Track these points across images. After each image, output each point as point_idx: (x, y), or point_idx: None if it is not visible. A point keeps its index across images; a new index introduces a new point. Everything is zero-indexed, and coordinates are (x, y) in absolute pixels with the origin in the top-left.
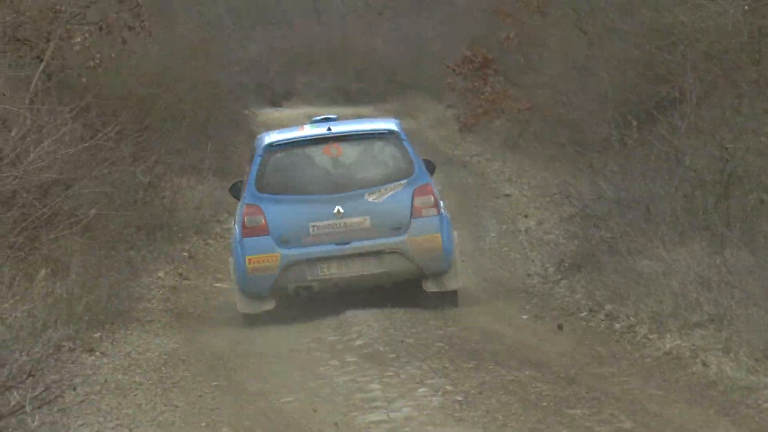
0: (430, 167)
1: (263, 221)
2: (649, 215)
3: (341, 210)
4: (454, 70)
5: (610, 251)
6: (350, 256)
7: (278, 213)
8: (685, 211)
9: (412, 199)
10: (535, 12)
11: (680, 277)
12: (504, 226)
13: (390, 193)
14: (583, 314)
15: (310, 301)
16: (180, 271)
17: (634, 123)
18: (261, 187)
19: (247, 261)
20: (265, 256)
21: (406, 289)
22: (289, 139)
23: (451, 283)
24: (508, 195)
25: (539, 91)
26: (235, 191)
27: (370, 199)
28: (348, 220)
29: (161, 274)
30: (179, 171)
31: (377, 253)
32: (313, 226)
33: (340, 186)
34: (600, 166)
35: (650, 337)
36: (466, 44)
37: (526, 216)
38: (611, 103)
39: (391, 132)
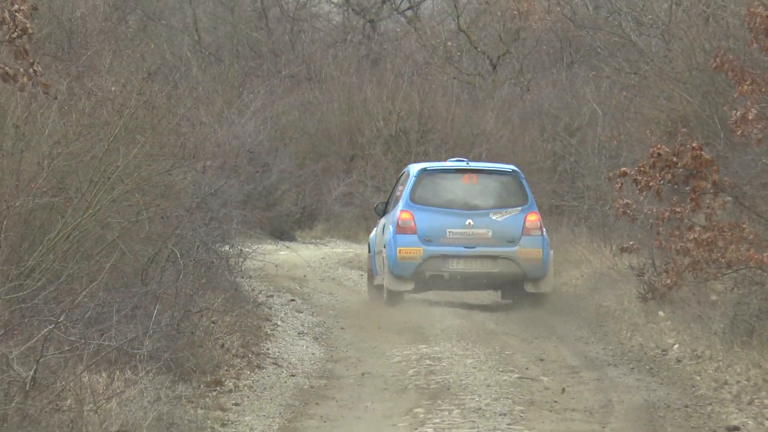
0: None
1: (413, 224)
2: None
3: (471, 222)
4: (635, 181)
5: None
6: (474, 257)
7: (425, 219)
8: None
9: (524, 221)
10: None
11: None
12: None
13: (508, 215)
14: None
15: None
16: None
17: None
18: (413, 199)
19: (398, 251)
20: (412, 249)
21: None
22: (438, 167)
23: (545, 287)
24: (736, 429)
25: None
26: (379, 210)
27: (494, 217)
28: (475, 231)
29: None
30: (91, 359)
31: (494, 257)
32: (450, 232)
33: (472, 205)
34: None
35: None
36: (658, 132)
37: None
38: None
39: (513, 171)
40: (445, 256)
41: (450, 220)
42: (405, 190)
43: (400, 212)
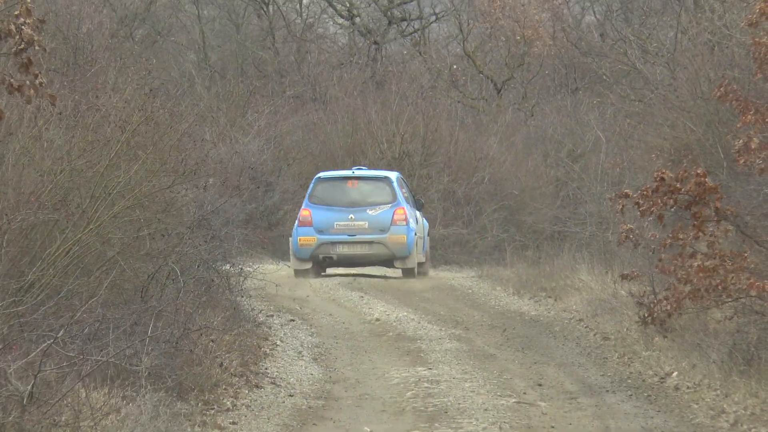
0: (419, 203)
1: (310, 218)
2: None
3: (353, 216)
4: (637, 205)
5: None
6: (355, 243)
7: (319, 215)
8: None
9: (393, 214)
10: None
11: None
12: None
13: (381, 210)
14: None
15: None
16: None
17: None
18: (311, 199)
19: (298, 239)
20: (309, 238)
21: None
22: (329, 175)
23: (410, 264)
24: None
25: None
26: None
27: (370, 212)
28: (356, 223)
29: None
30: (90, 375)
31: (370, 243)
32: (336, 224)
33: (354, 203)
34: None
35: None
36: (661, 160)
37: None
38: None
39: (386, 177)
40: (333, 243)
41: (337, 215)
42: (306, 193)
43: (301, 210)
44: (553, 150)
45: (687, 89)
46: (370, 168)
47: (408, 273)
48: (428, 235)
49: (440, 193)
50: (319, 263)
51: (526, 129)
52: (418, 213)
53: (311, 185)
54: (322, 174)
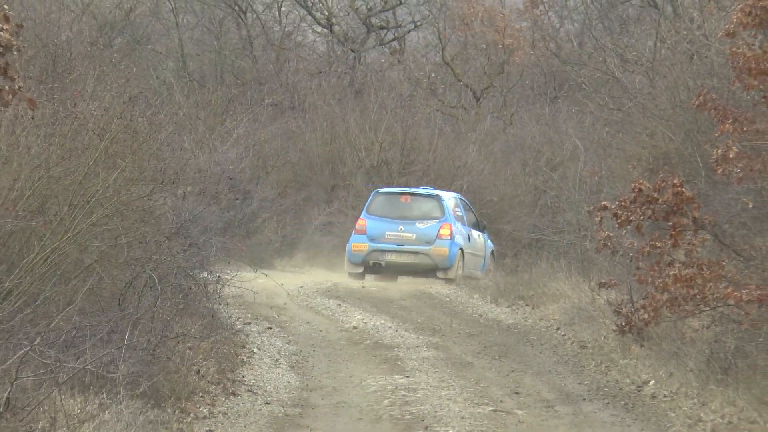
0: (481, 225)
1: (365, 228)
2: None
3: (402, 228)
4: (616, 216)
5: None
6: (402, 252)
7: (373, 225)
8: None
9: (439, 229)
10: None
11: None
12: None
13: (428, 225)
14: None
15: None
16: None
17: None
18: (368, 211)
19: (352, 246)
20: (361, 245)
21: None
22: (387, 191)
23: (450, 275)
24: None
25: None
26: None
27: (418, 225)
28: (405, 234)
29: None
30: (66, 382)
31: (416, 253)
32: (387, 234)
33: (405, 217)
34: None
35: None
36: (640, 169)
37: None
38: None
39: (437, 195)
40: (383, 251)
41: (389, 226)
42: (365, 205)
43: (358, 220)
44: (532, 158)
45: (666, 98)
46: (436, 188)
47: (446, 282)
48: (493, 254)
49: None
50: (370, 268)
51: (504, 137)
52: (476, 232)
53: (370, 198)
54: (380, 189)
